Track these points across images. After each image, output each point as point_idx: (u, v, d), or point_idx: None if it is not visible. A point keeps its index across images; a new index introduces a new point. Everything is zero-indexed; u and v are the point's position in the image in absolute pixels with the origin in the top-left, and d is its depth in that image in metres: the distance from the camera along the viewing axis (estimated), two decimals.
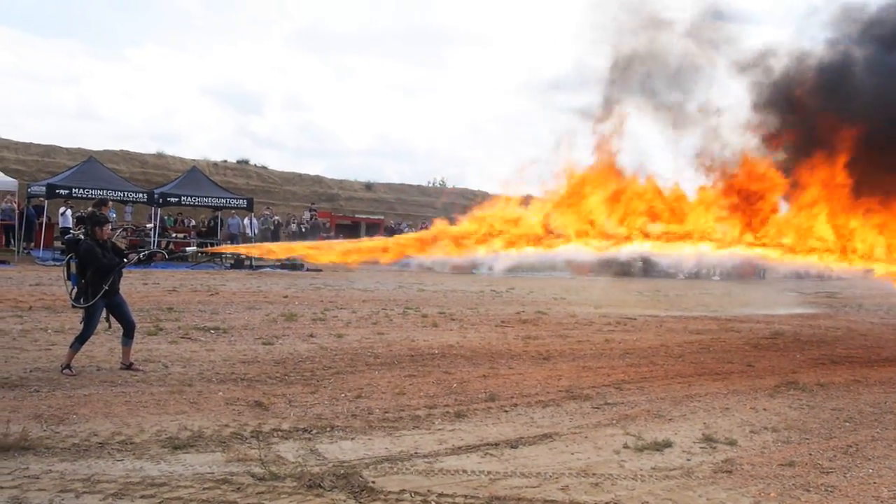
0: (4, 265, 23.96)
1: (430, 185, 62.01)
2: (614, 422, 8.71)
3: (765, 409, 9.68)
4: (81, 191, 26.83)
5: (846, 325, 20.21)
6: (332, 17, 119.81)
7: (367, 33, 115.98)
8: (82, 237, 9.84)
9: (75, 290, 9.78)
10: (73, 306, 9.85)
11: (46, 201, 28.13)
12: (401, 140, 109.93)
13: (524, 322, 17.13)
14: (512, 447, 7.54)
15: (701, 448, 7.83)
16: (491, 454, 7.27)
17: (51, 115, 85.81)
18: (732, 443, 8.03)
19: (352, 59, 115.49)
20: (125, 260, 9.96)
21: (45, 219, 28.93)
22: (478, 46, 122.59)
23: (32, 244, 28.86)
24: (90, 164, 30.34)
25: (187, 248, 13.91)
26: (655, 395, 10.20)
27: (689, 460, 7.40)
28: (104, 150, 45.37)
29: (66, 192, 27.15)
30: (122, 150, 47.71)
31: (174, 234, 31.58)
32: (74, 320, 12.14)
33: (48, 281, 19.35)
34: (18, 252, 27.12)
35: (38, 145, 45.07)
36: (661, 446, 7.72)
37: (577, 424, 8.54)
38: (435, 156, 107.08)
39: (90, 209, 12.96)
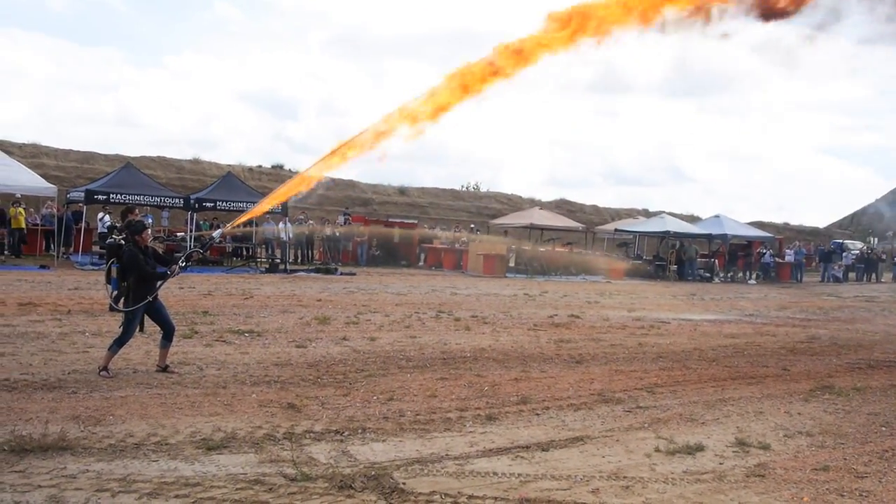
0: (44, 269, 24.32)
1: (464, 188, 62.01)
2: (646, 425, 8.69)
3: (799, 414, 9.61)
4: (119, 196, 27.10)
5: (884, 329, 19.96)
6: (369, 22, 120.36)
7: (402, 38, 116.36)
8: (123, 242, 9.95)
9: (115, 293, 9.92)
10: (112, 309, 9.96)
11: (85, 207, 28.50)
12: (436, 144, 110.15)
13: (557, 326, 17.09)
14: (543, 450, 7.54)
15: (733, 452, 7.79)
16: (522, 457, 7.28)
17: (90, 122, 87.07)
18: (766, 447, 7.98)
19: (387, 63, 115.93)
20: (168, 273, 10.01)
21: (83, 224, 29.32)
22: None
23: (71, 249, 29.28)
24: (128, 170, 30.66)
25: (214, 234, 14.06)
26: (688, 399, 10.15)
27: (721, 464, 7.37)
28: (141, 157, 45.88)
29: (104, 197, 27.46)
30: (159, 156, 48.20)
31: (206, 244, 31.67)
32: (112, 323, 12.32)
33: (86, 285, 19.62)
34: (58, 257, 27.49)
35: (77, 152, 45.67)
36: (693, 450, 7.69)
37: (609, 428, 8.52)
38: (469, 160, 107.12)
39: (126, 220, 13.14)
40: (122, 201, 26.74)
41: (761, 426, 8.89)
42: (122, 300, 9.91)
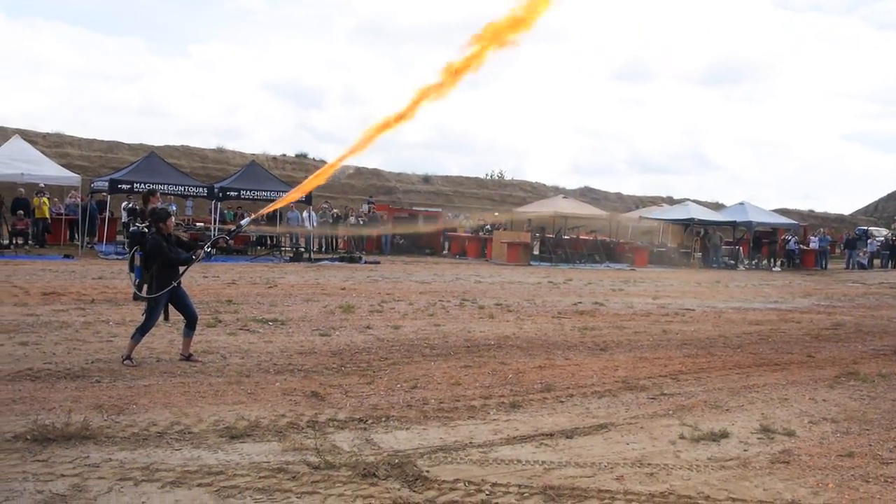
0: (68, 259, 24.47)
1: (488, 177, 61.91)
2: (671, 412, 8.63)
3: (824, 400, 9.51)
4: (143, 185, 27.09)
5: None
6: (393, 10, 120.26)
7: (427, 26, 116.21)
8: (147, 230, 9.97)
9: (138, 281, 9.94)
10: (136, 297, 9.96)
11: (109, 196, 28.63)
12: (460, 132, 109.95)
13: (581, 313, 17.02)
14: (567, 437, 7.50)
15: (758, 439, 7.72)
16: (546, 444, 7.24)
17: (114, 112, 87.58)
18: (790, 433, 7.91)
19: (411, 51, 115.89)
20: (193, 257, 10.03)
21: (107, 213, 29.49)
22: (541, 37, 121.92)
23: (95, 238, 29.45)
24: (151, 159, 30.74)
25: (242, 222, 14.16)
26: (713, 386, 10.07)
27: (745, 451, 7.30)
28: (165, 146, 46.17)
29: (128, 186, 27.51)
30: (182, 146, 48.50)
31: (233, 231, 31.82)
32: (136, 312, 12.36)
33: (110, 274, 19.72)
34: (82, 246, 27.65)
35: (101, 141, 46.02)
36: (718, 437, 7.63)
37: (633, 415, 8.47)
38: (494, 148, 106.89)
39: (149, 206, 13.15)
40: (145, 191, 26.83)
41: (786, 413, 8.81)
42: (145, 287, 9.94)
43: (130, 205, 26.33)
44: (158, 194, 16.11)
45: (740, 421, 8.34)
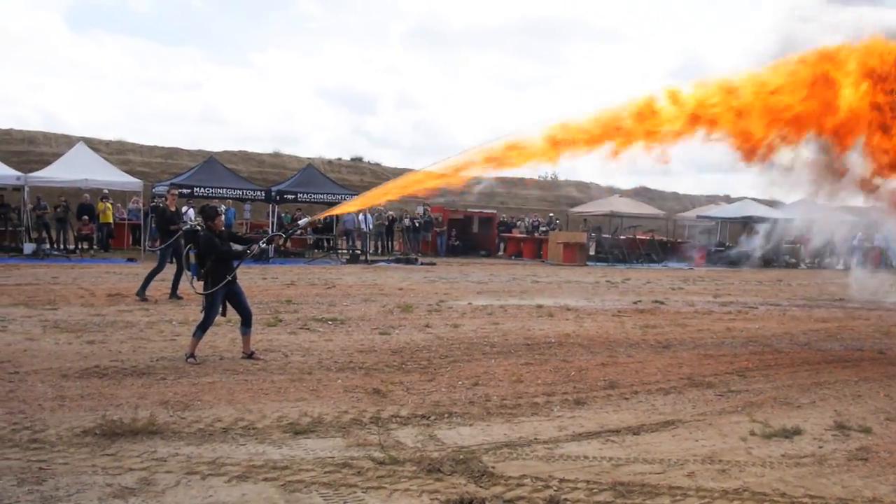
0: (131, 262, 24.87)
1: (542, 178, 61.60)
2: (739, 409, 8.44)
3: None
4: (202, 190, 27.59)
5: None
6: (447, 13, 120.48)
7: (480, 29, 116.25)
8: (199, 229, 10.14)
9: (194, 278, 10.11)
10: (201, 294, 10.09)
11: None
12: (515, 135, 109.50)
13: (642, 312, 16.79)
14: (634, 434, 7.38)
15: (833, 435, 7.51)
16: (612, 440, 7.13)
17: (175, 120, 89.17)
18: (867, 430, 7.68)
19: (465, 55, 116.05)
20: (248, 251, 10.13)
21: None
22: (594, 39, 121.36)
23: (157, 242, 29.89)
24: (210, 163, 31.16)
25: (300, 222, 14.31)
26: (781, 383, 9.84)
27: (820, 447, 7.10)
28: (223, 151, 46.74)
29: (188, 191, 27.88)
30: (240, 151, 49.08)
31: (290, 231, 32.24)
32: (198, 312, 12.47)
33: (171, 277, 19.93)
34: (144, 250, 28.11)
35: (162, 147, 46.83)
36: (791, 433, 7.44)
37: (701, 411, 8.30)
38: None
39: (168, 203, 13.55)
40: (205, 195, 27.24)
41: (861, 409, 8.56)
42: (200, 284, 10.06)
43: (154, 204, 26.82)
44: (174, 192, 17.09)
45: (813, 418, 8.13)
